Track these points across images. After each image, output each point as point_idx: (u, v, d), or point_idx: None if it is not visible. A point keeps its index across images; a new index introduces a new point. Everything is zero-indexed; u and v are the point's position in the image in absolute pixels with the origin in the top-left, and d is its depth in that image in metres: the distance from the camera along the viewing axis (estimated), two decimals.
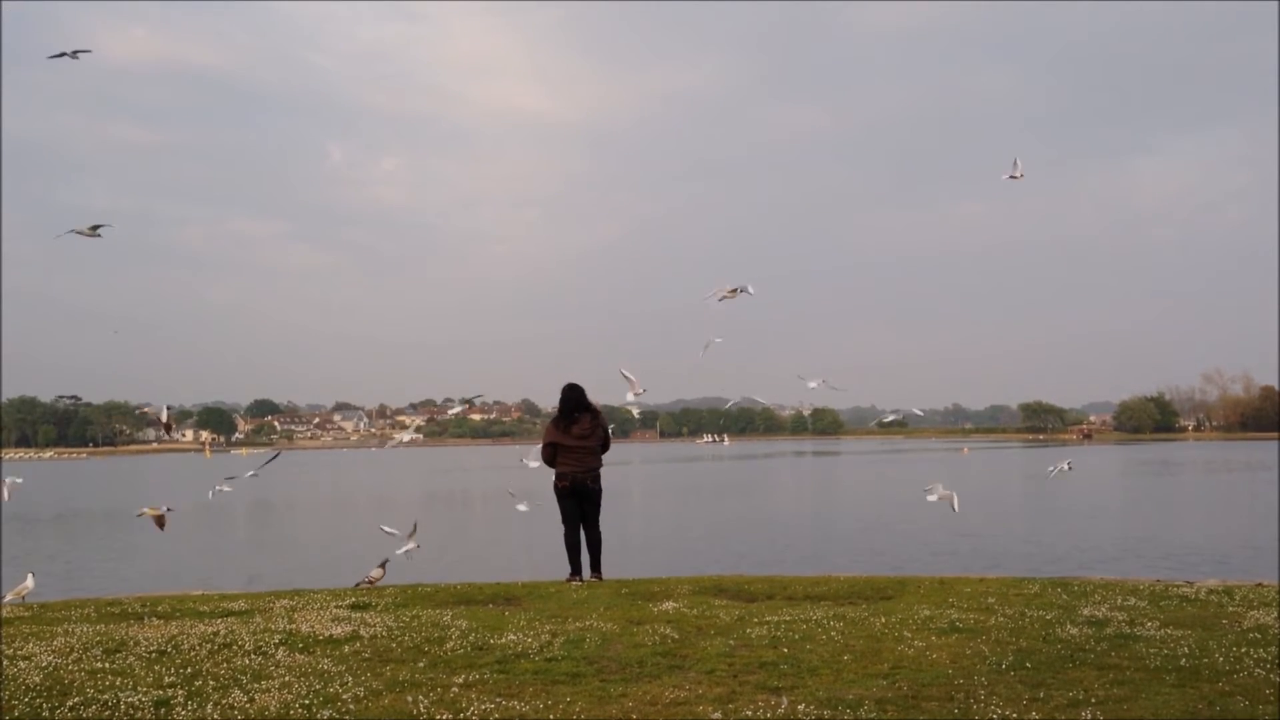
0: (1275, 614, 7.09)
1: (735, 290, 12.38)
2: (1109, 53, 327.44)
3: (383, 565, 10.48)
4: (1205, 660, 5.75)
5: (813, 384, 13.71)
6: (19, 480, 11.71)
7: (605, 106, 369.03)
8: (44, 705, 5.19)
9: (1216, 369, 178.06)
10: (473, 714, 4.98)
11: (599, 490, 10.34)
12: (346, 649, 6.47)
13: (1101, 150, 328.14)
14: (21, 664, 6.07)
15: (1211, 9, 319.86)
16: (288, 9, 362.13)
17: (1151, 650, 6.01)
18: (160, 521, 11.46)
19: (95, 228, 10.23)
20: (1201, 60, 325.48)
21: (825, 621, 7.07)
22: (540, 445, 10.54)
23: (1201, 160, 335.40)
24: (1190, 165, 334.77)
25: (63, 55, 10.24)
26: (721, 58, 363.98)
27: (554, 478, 10.30)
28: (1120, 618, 7.04)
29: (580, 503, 10.26)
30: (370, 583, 10.26)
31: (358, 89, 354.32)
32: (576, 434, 10.17)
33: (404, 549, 12.12)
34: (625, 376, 11.77)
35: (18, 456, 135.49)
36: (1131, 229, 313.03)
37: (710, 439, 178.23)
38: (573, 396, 10.28)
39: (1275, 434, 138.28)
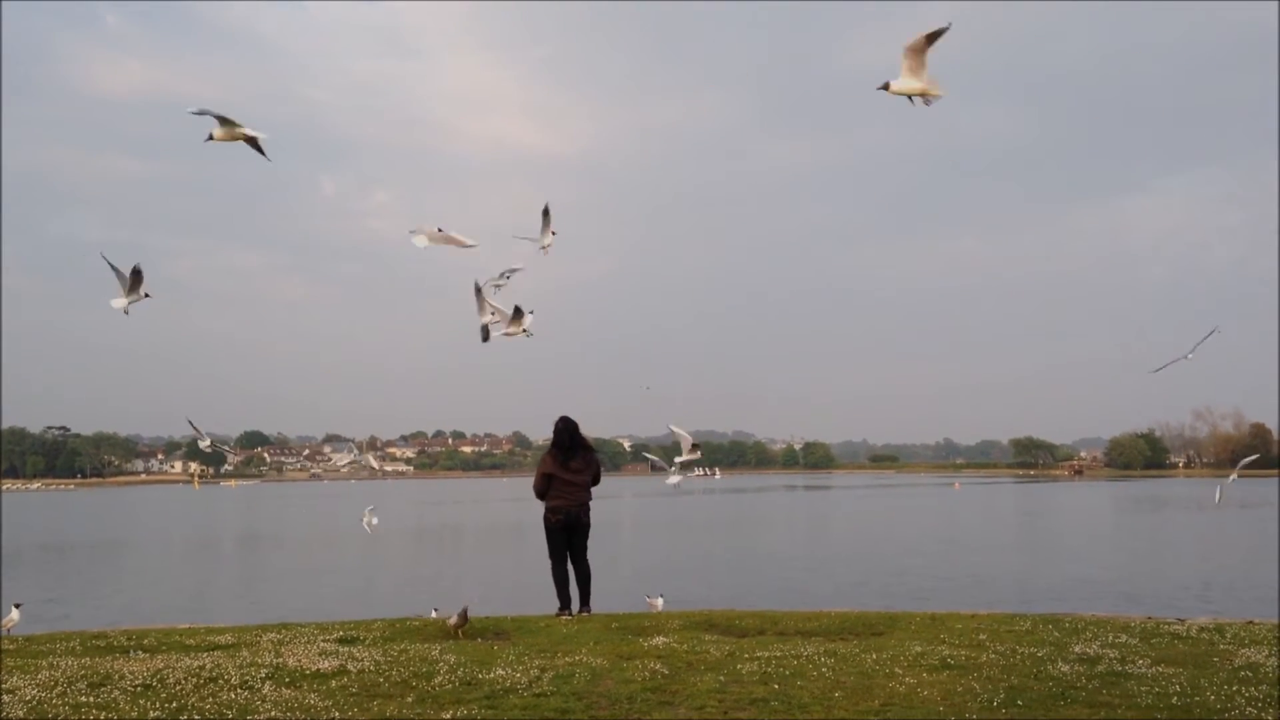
0: (1266, 652, 7.07)
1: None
2: (1100, 92, 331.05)
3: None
4: (1197, 699, 5.74)
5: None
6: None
7: (597, 141, 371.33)
8: None
9: (1207, 406, 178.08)
10: None
11: (588, 524, 10.34)
12: (334, 683, 6.42)
13: (1093, 188, 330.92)
14: (5, 698, 6.01)
15: (1202, 49, 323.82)
16: (281, 42, 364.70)
17: (1143, 688, 5.99)
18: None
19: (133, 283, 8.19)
20: (1192, 99, 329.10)
21: (816, 658, 7.04)
22: (536, 469, 10.53)
23: (1193, 199, 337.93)
24: (1182, 204, 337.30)
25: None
26: (713, 93, 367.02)
27: (545, 512, 10.26)
28: (1112, 655, 7.02)
29: (570, 536, 10.23)
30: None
31: (351, 122, 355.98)
32: (574, 469, 10.18)
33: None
34: (676, 433, 11.58)
35: (5, 487, 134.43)
36: (1122, 266, 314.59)
37: (701, 472, 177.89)
38: (566, 430, 10.28)
39: (1267, 471, 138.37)
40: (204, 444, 11.48)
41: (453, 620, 8.79)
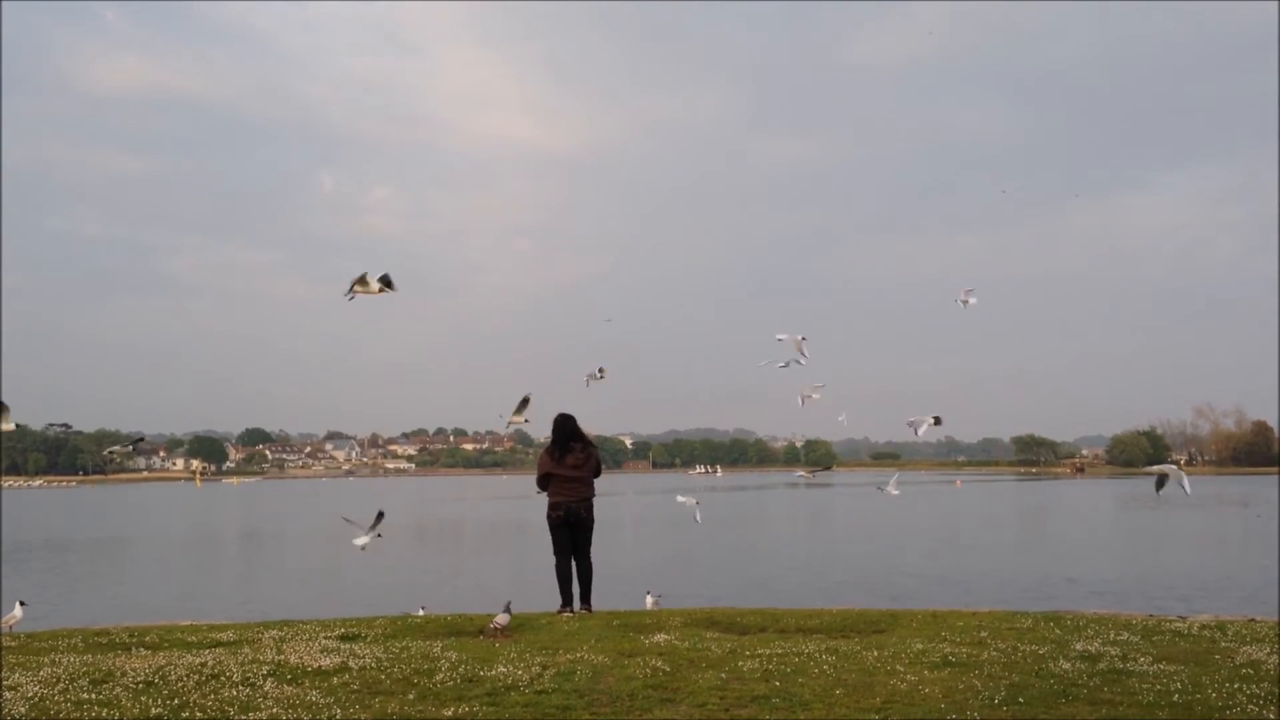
0: (1268, 650, 7.07)
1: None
2: (1100, 89, 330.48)
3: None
4: (1198, 696, 5.73)
5: (781, 336, 12.92)
6: None
7: (595, 137, 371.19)
8: None
9: (1208, 403, 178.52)
10: None
11: (591, 520, 10.32)
12: (335, 681, 6.42)
13: (1093, 185, 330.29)
14: (8, 695, 6.01)
15: (1202, 47, 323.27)
16: (280, 38, 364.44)
17: (1145, 686, 5.99)
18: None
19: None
20: (1193, 96, 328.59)
21: (818, 655, 7.04)
22: (536, 475, 10.51)
23: (1193, 196, 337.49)
24: (1181, 201, 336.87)
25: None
26: (711, 89, 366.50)
27: (547, 508, 10.26)
28: (1113, 653, 7.01)
29: (573, 533, 10.22)
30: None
31: (350, 118, 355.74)
32: (571, 464, 10.14)
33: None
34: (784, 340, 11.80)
35: (7, 485, 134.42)
36: (1122, 263, 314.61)
37: (703, 470, 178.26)
38: (565, 426, 10.25)
39: (1267, 469, 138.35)
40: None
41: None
